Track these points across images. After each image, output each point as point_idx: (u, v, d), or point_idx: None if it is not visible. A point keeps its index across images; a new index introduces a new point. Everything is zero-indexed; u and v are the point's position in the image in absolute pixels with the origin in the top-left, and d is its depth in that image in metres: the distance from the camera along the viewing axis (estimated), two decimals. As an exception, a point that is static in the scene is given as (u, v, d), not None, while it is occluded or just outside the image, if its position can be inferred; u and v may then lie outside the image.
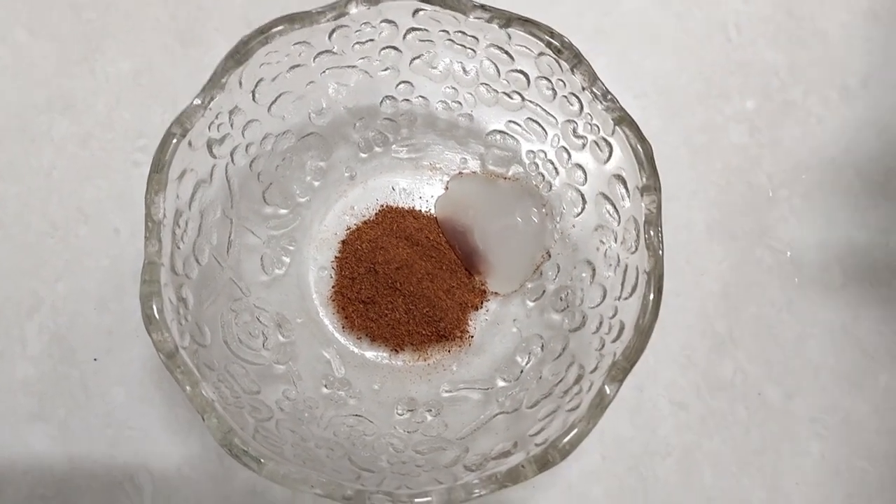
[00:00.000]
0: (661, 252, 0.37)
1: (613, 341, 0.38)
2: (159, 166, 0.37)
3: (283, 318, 0.46)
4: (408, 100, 0.46)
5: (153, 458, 0.46)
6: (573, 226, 0.45)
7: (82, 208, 0.50)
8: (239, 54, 0.38)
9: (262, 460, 0.34)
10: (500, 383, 0.45)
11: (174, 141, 0.37)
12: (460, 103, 0.46)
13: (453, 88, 0.45)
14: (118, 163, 0.50)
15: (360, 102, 0.46)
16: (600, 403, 0.36)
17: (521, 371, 0.45)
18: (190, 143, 0.38)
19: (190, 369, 0.36)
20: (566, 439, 0.35)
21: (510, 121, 0.46)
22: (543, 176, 0.46)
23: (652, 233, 0.38)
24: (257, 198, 0.45)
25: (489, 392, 0.45)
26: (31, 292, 0.48)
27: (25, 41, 0.52)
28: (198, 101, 0.38)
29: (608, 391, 0.36)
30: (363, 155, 0.48)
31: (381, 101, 0.46)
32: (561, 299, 0.45)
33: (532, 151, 0.46)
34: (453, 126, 0.47)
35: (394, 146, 0.49)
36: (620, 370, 0.36)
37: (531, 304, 0.47)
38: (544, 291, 0.46)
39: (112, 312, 0.48)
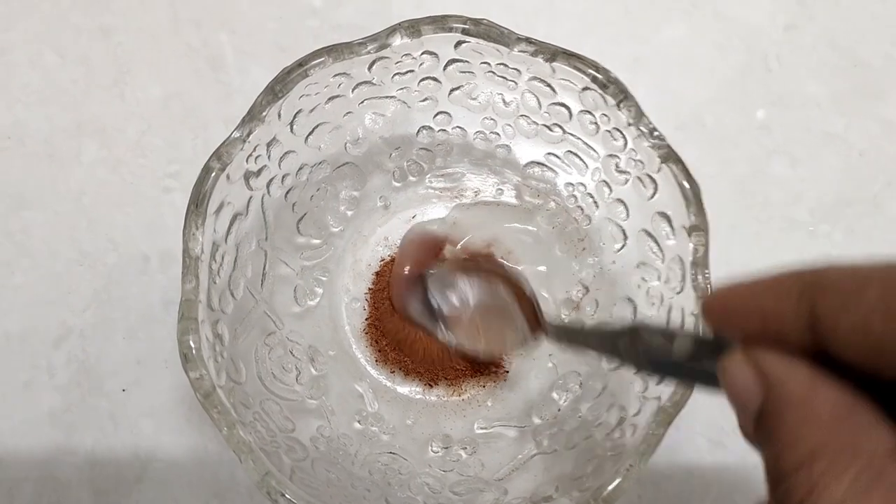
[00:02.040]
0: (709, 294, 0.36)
1: (658, 384, 0.37)
2: (199, 201, 0.36)
3: (315, 350, 0.45)
4: (445, 130, 0.46)
5: (182, 493, 0.45)
6: (613, 262, 0.44)
7: (111, 235, 0.49)
8: (278, 87, 0.37)
9: (299, 504, 0.34)
10: (537, 420, 0.44)
11: (213, 175, 0.37)
12: (498, 134, 0.45)
13: (492, 120, 0.45)
14: (148, 189, 0.50)
15: (397, 132, 0.45)
16: (647, 450, 0.35)
17: (559, 409, 0.44)
18: (228, 177, 0.37)
19: (227, 409, 0.35)
20: (611, 487, 0.35)
21: (549, 153, 0.45)
22: (582, 209, 0.45)
23: (699, 274, 0.37)
24: (291, 228, 0.45)
25: (525, 430, 0.44)
26: (59, 321, 0.48)
27: (55, 65, 0.52)
28: (237, 134, 0.37)
29: (654, 437, 0.35)
30: (397, 184, 0.48)
31: (418, 131, 0.46)
32: (599, 336, 0.44)
33: (571, 184, 0.45)
34: (490, 156, 0.47)
35: (428, 176, 0.48)
36: (667, 415, 0.35)
37: (568, 339, 0.46)
38: (582, 327, 0.45)
39: (141, 341, 0.47)
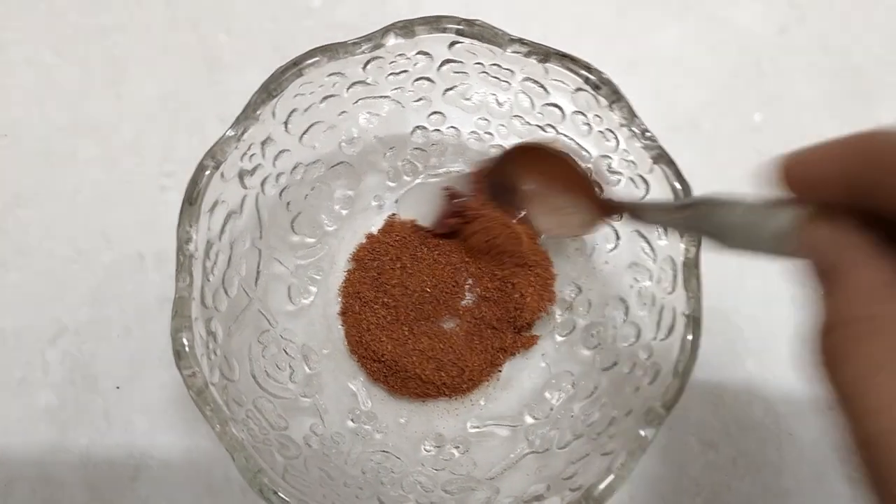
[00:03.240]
0: (700, 295, 0.37)
1: (649, 384, 0.38)
2: (192, 199, 0.36)
3: (309, 349, 0.45)
4: (439, 130, 0.46)
5: (176, 491, 0.45)
6: (605, 262, 0.44)
7: (107, 233, 0.49)
8: (273, 86, 0.38)
9: (291, 502, 0.34)
10: (529, 420, 0.44)
11: (207, 173, 0.37)
12: (492, 134, 0.46)
13: (486, 120, 0.45)
14: (144, 188, 0.50)
15: (391, 132, 0.46)
16: (637, 449, 0.35)
17: (551, 408, 0.44)
18: (222, 175, 0.38)
19: (219, 406, 0.35)
20: (602, 486, 0.35)
21: (543, 154, 0.45)
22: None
23: (691, 275, 0.37)
24: (285, 227, 0.45)
25: (517, 429, 0.44)
26: (54, 319, 0.48)
27: (52, 63, 0.52)
28: (231, 133, 0.37)
29: (645, 437, 0.35)
30: (391, 184, 0.48)
31: (413, 131, 0.46)
32: (592, 336, 0.44)
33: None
34: (484, 156, 0.47)
35: (423, 175, 0.48)
36: (657, 416, 0.35)
37: (560, 338, 0.46)
38: (574, 327, 0.46)
39: (135, 339, 0.48)
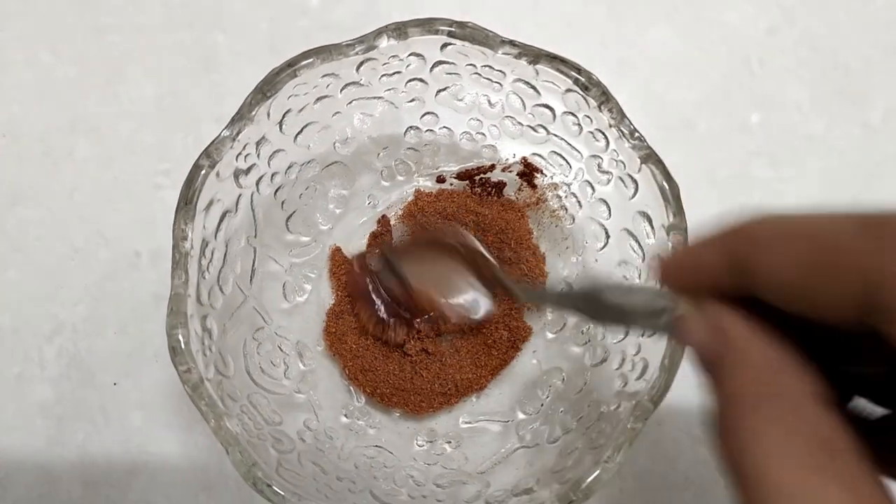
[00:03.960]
0: (687, 292, 0.37)
1: (637, 379, 0.38)
2: (188, 198, 0.37)
3: (303, 345, 0.46)
4: (432, 130, 0.47)
5: (171, 485, 0.46)
6: (595, 260, 0.45)
7: (103, 232, 0.50)
8: (267, 87, 0.38)
9: (285, 495, 0.34)
10: (521, 416, 0.45)
11: (203, 172, 0.37)
12: (484, 135, 0.46)
13: (478, 120, 0.46)
14: (140, 186, 0.50)
15: (385, 132, 0.46)
16: (624, 443, 0.36)
17: (542, 404, 0.45)
18: (218, 174, 0.38)
19: (214, 402, 0.36)
20: (590, 479, 0.35)
21: (534, 153, 0.46)
22: (566, 208, 0.46)
23: (678, 272, 0.38)
24: (280, 226, 0.45)
25: (509, 425, 0.45)
26: (51, 315, 0.48)
27: (49, 63, 0.53)
28: (226, 133, 0.38)
29: (632, 431, 0.36)
30: (385, 183, 0.48)
31: (406, 132, 0.46)
32: (582, 333, 0.45)
33: (555, 184, 0.46)
34: (476, 156, 0.47)
35: (416, 175, 0.49)
36: (645, 410, 0.36)
37: (551, 335, 0.47)
38: (565, 324, 0.46)
39: (132, 336, 0.48)
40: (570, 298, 0.32)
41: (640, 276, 0.41)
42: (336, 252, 0.47)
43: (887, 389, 0.23)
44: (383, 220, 0.48)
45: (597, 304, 0.29)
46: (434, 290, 0.45)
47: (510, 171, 0.47)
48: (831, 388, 0.20)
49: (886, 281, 0.18)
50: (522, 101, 0.43)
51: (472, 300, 0.45)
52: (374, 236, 0.48)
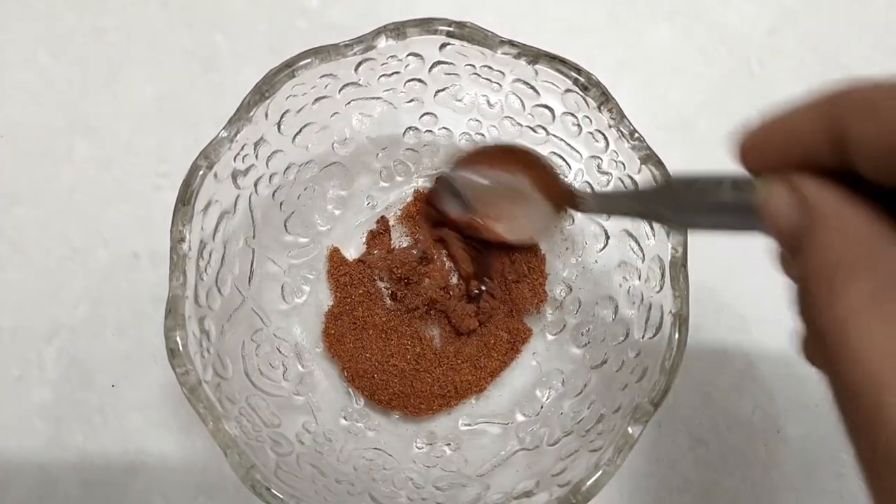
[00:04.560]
0: (687, 294, 0.37)
1: (637, 381, 0.38)
2: (186, 199, 0.37)
3: (302, 347, 0.45)
4: (431, 131, 0.46)
5: (169, 487, 0.46)
6: (595, 261, 0.45)
7: (102, 232, 0.50)
8: (265, 87, 0.38)
9: (283, 498, 0.34)
10: (520, 418, 0.45)
11: (200, 173, 0.37)
12: (483, 135, 0.46)
13: (477, 121, 0.45)
14: (139, 187, 0.50)
15: (383, 133, 0.46)
16: (624, 445, 0.36)
17: (542, 406, 0.44)
18: (216, 175, 0.38)
19: (212, 404, 0.36)
20: (590, 482, 0.35)
21: (533, 154, 0.45)
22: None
23: (678, 274, 0.38)
24: (279, 227, 0.45)
25: (508, 427, 0.45)
26: (50, 317, 0.48)
27: (48, 64, 0.53)
28: (224, 134, 0.38)
29: (632, 433, 0.36)
30: (384, 184, 0.48)
31: (405, 132, 0.46)
32: (582, 334, 0.45)
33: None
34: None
35: (415, 176, 0.48)
36: (645, 412, 0.36)
37: (551, 337, 0.46)
38: (565, 325, 0.46)
39: (130, 337, 0.48)
40: (641, 199, 0.30)
41: (640, 277, 0.41)
42: (334, 253, 0.47)
43: None
44: (382, 221, 0.48)
45: (670, 202, 0.27)
46: (493, 210, 0.44)
47: None
48: None
49: None
50: (522, 101, 0.43)
51: (534, 218, 0.43)
52: (372, 235, 0.48)
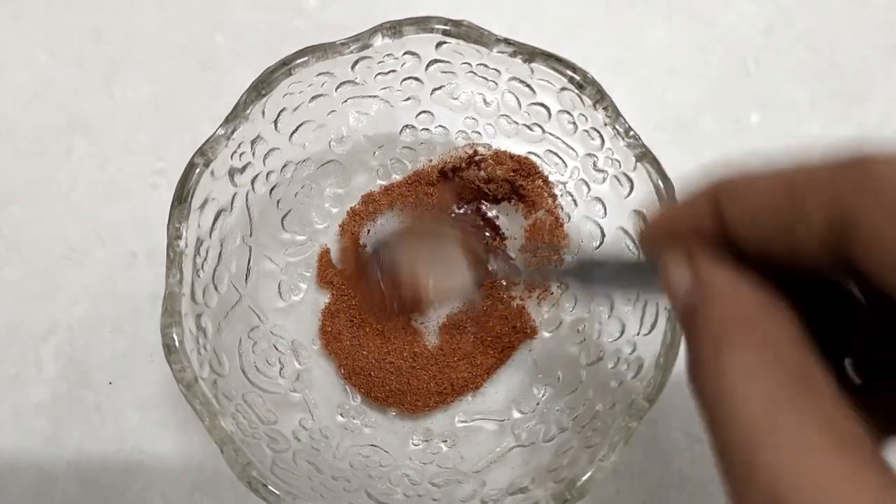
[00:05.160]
0: (682, 290, 0.37)
1: (632, 378, 0.38)
2: (183, 196, 0.37)
3: (299, 344, 0.46)
4: (427, 129, 0.47)
5: (167, 485, 0.46)
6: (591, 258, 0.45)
7: (99, 231, 0.50)
8: (262, 85, 0.38)
9: (279, 494, 0.34)
10: (516, 415, 0.45)
11: (197, 171, 0.37)
12: (480, 133, 0.46)
13: (473, 119, 0.46)
14: (136, 186, 0.50)
15: (380, 131, 0.46)
16: (619, 442, 0.36)
17: (538, 403, 0.45)
18: (212, 173, 0.38)
19: (209, 400, 0.36)
20: (585, 477, 0.35)
21: (530, 152, 0.46)
22: (562, 207, 0.46)
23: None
24: (276, 225, 0.45)
25: (504, 423, 0.45)
26: (48, 315, 0.48)
27: (46, 64, 0.53)
28: (221, 131, 0.38)
29: (628, 429, 0.36)
30: (382, 182, 0.48)
31: (401, 130, 0.46)
32: (578, 332, 0.45)
33: (551, 182, 0.46)
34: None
35: (411, 174, 0.49)
36: (640, 409, 0.36)
37: (547, 334, 0.47)
38: (561, 323, 0.46)
39: (127, 336, 0.48)
40: (563, 270, 0.33)
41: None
42: (325, 254, 0.47)
43: (870, 355, 0.22)
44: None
45: (589, 271, 0.30)
46: (423, 278, 0.44)
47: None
48: (817, 344, 0.20)
49: (860, 216, 0.17)
50: (518, 99, 0.43)
51: (464, 284, 0.43)
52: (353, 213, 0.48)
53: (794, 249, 0.19)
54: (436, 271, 0.42)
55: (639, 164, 0.39)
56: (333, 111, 0.43)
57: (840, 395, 0.18)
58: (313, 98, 0.41)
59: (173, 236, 0.37)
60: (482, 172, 0.46)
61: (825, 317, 0.21)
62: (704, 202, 0.22)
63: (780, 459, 0.16)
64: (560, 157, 0.44)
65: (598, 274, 0.30)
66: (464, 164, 0.46)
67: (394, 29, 0.39)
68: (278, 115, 0.40)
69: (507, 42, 0.39)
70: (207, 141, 0.38)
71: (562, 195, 0.46)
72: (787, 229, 0.19)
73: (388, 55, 0.40)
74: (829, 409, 0.17)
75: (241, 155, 0.40)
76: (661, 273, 0.23)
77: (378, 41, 0.39)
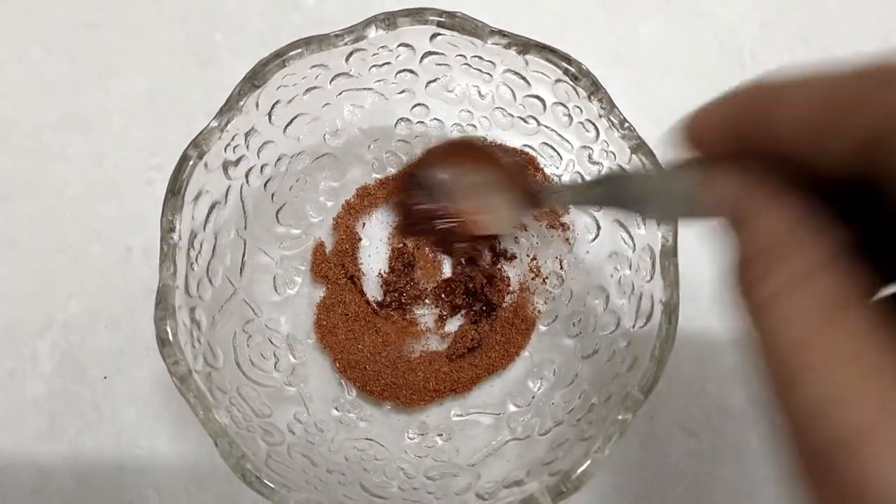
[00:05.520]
0: (677, 282, 0.37)
1: (628, 371, 0.38)
2: (176, 189, 0.37)
3: (294, 338, 0.45)
4: (422, 122, 0.46)
5: (162, 479, 0.46)
6: (587, 251, 0.45)
7: (95, 227, 0.50)
8: (256, 77, 0.38)
9: (274, 487, 0.34)
10: (512, 408, 0.45)
11: (190, 163, 0.37)
12: (475, 126, 0.46)
13: (468, 112, 0.45)
14: (132, 182, 0.50)
15: (375, 124, 0.46)
16: (614, 434, 0.36)
17: (533, 396, 0.44)
18: (206, 165, 0.38)
19: (203, 393, 0.36)
20: (580, 470, 0.35)
21: (525, 144, 0.46)
22: (557, 200, 0.46)
23: (668, 263, 0.38)
24: (270, 218, 0.45)
25: (500, 417, 0.45)
26: (44, 311, 0.48)
27: (41, 59, 0.53)
28: (214, 124, 0.38)
29: (623, 422, 0.36)
30: (377, 175, 0.48)
31: (396, 123, 0.46)
32: (573, 325, 0.45)
33: (546, 175, 0.46)
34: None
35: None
36: (635, 401, 0.36)
37: (543, 328, 0.47)
38: (557, 316, 0.46)
39: (123, 331, 0.48)
40: (596, 189, 0.31)
41: (630, 266, 0.41)
42: (320, 247, 0.47)
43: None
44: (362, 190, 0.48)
45: (622, 190, 0.28)
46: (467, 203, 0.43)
47: None
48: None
49: (893, 138, 0.18)
50: (513, 91, 0.43)
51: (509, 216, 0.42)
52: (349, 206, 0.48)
53: (826, 161, 0.20)
54: (486, 202, 0.41)
55: (634, 155, 0.39)
56: (328, 104, 0.43)
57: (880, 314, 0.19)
58: (307, 90, 0.41)
59: (167, 229, 0.36)
60: None
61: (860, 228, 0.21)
62: (743, 101, 0.22)
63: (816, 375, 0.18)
64: (555, 150, 0.44)
65: (629, 189, 0.28)
66: None
67: (388, 20, 0.39)
68: (272, 108, 0.40)
69: (502, 34, 0.39)
70: (201, 133, 0.37)
71: (557, 188, 0.46)
72: (821, 140, 0.19)
73: (382, 47, 0.40)
74: (865, 330, 0.18)
75: (234, 147, 0.40)
76: (700, 182, 0.23)
77: (372, 33, 0.39)
